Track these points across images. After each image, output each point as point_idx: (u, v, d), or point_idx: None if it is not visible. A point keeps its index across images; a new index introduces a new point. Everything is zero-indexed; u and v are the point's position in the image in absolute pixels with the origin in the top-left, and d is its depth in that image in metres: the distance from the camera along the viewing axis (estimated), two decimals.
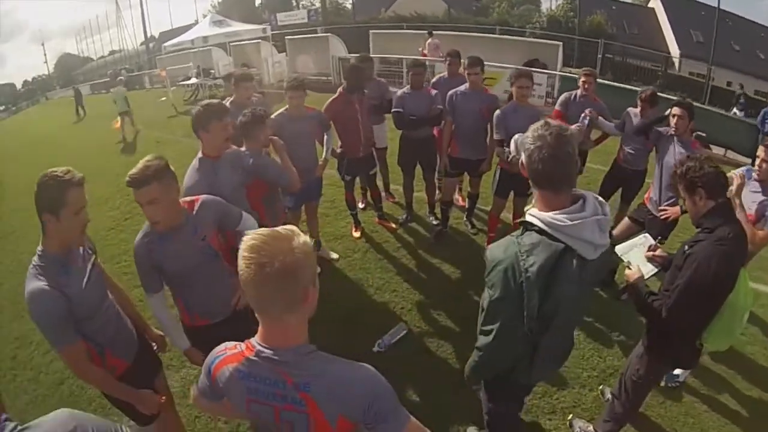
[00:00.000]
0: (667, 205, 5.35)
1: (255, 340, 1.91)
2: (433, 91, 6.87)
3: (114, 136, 16.67)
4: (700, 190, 3.08)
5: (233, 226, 3.56)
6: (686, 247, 3.16)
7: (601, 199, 2.36)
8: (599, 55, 21.08)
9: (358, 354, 5.16)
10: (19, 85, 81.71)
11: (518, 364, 2.66)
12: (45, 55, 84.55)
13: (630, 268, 3.60)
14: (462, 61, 7.23)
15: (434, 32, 19.27)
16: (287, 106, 5.87)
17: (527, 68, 6.89)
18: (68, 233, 2.81)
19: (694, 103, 5.68)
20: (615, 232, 5.68)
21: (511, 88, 6.05)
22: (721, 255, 2.92)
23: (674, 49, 30.39)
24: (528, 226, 2.37)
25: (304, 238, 1.79)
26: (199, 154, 4.15)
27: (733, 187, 3.95)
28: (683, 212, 4.93)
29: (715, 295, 3.04)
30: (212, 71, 23.45)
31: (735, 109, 17.23)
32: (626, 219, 5.90)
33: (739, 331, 3.36)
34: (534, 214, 2.35)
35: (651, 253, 3.66)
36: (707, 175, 3.05)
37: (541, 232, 2.30)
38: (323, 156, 6.27)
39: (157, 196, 2.97)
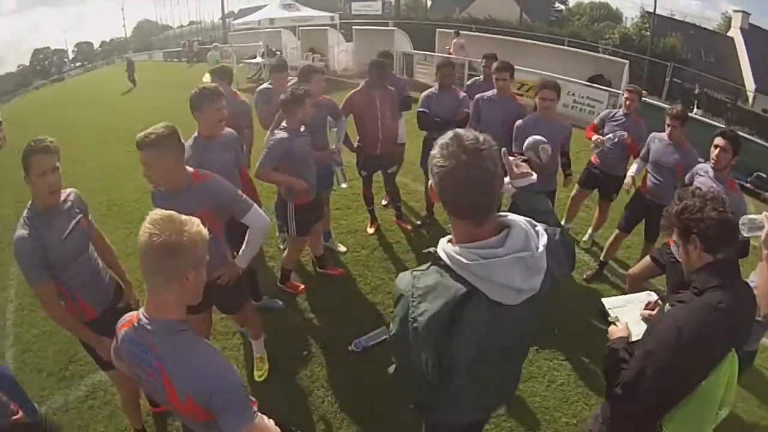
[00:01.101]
0: None
1: (142, 310, 2.17)
2: (462, 94, 6.74)
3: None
4: (695, 239, 2.46)
5: (238, 215, 3.74)
6: (667, 306, 2.61)
7: (540, 228, 1.97)
8: (667, 79, 20.33)
9: (332, 348, 5.39)
10: (96, 45, 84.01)
11: (441, 403, 2.29)
12: (123, 19, 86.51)
13: (616, 326, 2.97)
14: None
15: (505, 37, 19.16)
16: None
17: (552, 79, 6.39)
18: (38, 193, 3.31)
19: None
20: (633, 270, 5.31)
21: (535, 99, 5.80)
22: (698, 327, 2.29)
23: (750, 83, 28.59)
24: (434, 260, 1.95)
25: (198, 229, 2.10)
26: (195, 134, 4.54)
27: (762, 233, 2.86)
28: None
29: (679, 376, 2.34)
30: (278, 52, 23.65)
31: None
32: (647, 258, 5.17)
33: (710, 427, 2.55)
34: (442, 245, 1.94)
35: (648, 312, 3.06)
36: (707, 221, 2.41)
37: (447, 268, 1.87)
38: (334, 145, 6.26)
39: (149, 162, 3.28)
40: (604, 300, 3.51)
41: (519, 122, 5.75)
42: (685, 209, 2.51)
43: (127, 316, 2.30)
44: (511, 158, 2.45)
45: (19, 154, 3.22)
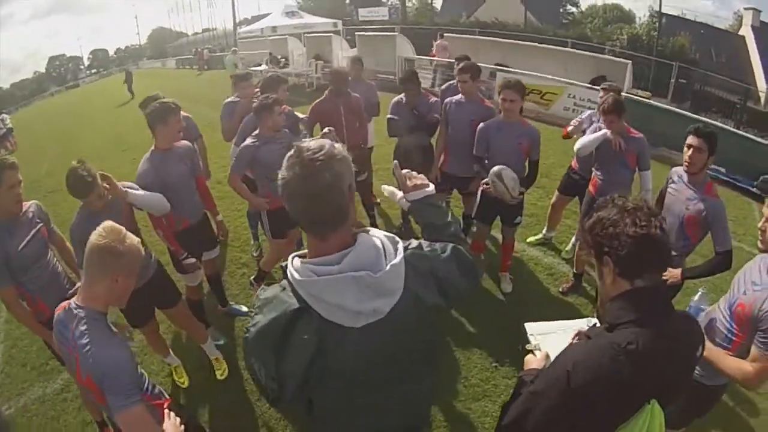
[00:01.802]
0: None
1: (75, 297, 2.61)
2: (433, 99, 6.71)
3: None
4: (608, 260, 1.95)
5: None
6: (575, 340, 2.28)
7: (400, 246, 1.86)
8: (672, 80, 19.89)
9: None
10: (111, 52, 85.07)
11: (316, 428, 2.26)
12: (137, 27, 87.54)
13: (534, 355, 2.53)
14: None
15: (508, 40, 19.08)
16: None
17: (516, 79, 5.78)
18: (5, 204, 3.68)
19: None
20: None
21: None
22: (595, 371, 1.82)
23: (761, 82, 27.67)
24: (284, 273, 1.87)
25: (134, 243, 2.62)
26: (152, 147, 4.71)
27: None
28: (687, 277, 4.11)
29: (568, 425, 1.91)
30: (282, 59, 23.73)
31: None
32: None
33: None
34: (290, 259, 1.86)
35: (577, 340, 2.33)
36: (622, 239, 1.87)
37: (290, 282, 1.80)
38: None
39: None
40: (528, 325, 3.16)
41: (481, 125, 5.55)
42: (598, 223, 1.97)
43: (65, 302, 2.65)
44: (404, 171, 2.35)
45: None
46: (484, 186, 5.53)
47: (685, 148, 4.09)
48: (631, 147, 5.21)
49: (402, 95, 6.68)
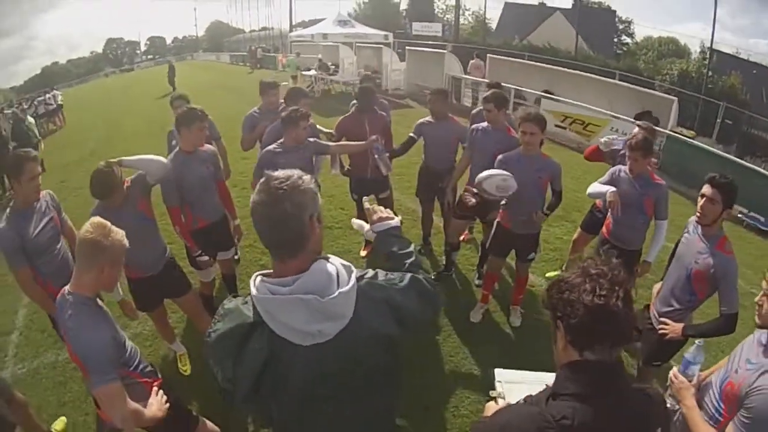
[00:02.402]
0: (671, 317, 4.01)
1: (68, 285, 2.98)
2: (460, 124, 6.66)
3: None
4: (560, 325, 1.80)
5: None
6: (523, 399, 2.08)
7: (345, 276, 1.97)
8: (718, 120, 19.64)
9: None
10: (169, 41, 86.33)
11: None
12: (195, 18, 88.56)
13: (496, 403, 2.56)
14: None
15: (555, 67, 19.05)
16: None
17: (537, 112, 5.50)
18: (25, 194, 4.17)
19: None
20: None
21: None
22: None
23: None
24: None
25: (118, 237, 2.98)
26: (177, 148, 5.16)
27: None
28: (688, 335, 3.88)
29: None
30: (333, 66, 23.95)
31: None
32: None
33: None
34: (254, 276, 2.02)
35: (523, 401, 2.16)
36: (576, 306, 1.69)
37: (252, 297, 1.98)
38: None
39: None
40: (498, 371, 3.28)
41: (500, 157, 5.38)
42: (556, 285, 1.83)
43: (63, 288, 3.01)
44: (367, 206, 2.63)
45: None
46: (469, 198, 5.63)
47: (699, 198, 3.78)
48: (650, 193, 4.95)
49: (428, 117, 6.64)
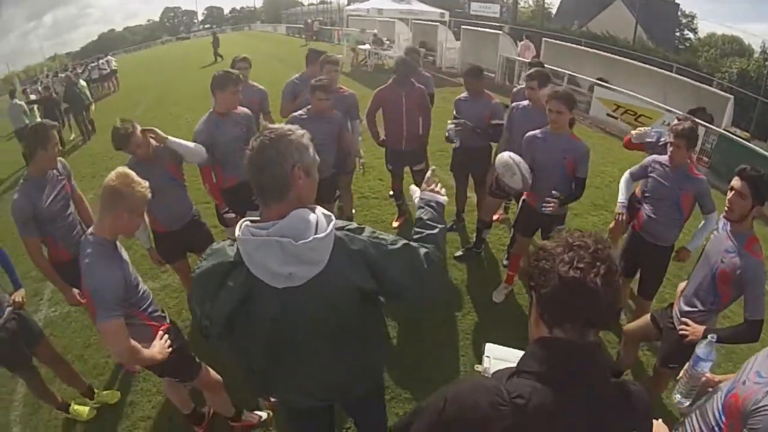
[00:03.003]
0: (693, 319, 3.74)
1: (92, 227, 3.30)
2: (495, 100, 6.48)
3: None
4: (533, 295, 1.66)
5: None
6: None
7: (324, 224, 2.06)
8: None
9: None
10: (227, 11, 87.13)
11: (257, 383, 2.73)
12: None
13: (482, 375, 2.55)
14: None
15: (610, 55, 18.61)
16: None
17: (565, 90, 5.23)
18: (46, 162, 4.43)
19: None
20: (629, 326, 4.61)
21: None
22: (467, 409, 1.52)
23: None
24: None
25: (139, 188, 3.23)
26: (211, 109, 5.41)
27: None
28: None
29: None
30: (387, 41, 23.84)
31: None
32: (647, 317, 4.36)
33: None
34: (240, 222, 2.13)
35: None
36: (549, 277, 1.54)
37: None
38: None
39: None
40: (489, 345, 3.24)
41: (527, 134, 5.23)
42: (536, 252, 1.66)
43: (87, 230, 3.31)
44: (429, 174, 2.75)
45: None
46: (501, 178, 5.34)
47: (729, 192, 3.51)
48: (688, 187, 4.52)
49: (464, 94, 6.60)
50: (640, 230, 4.93)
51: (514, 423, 1.46)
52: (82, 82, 18.87)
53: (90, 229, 3.27)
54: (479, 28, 23.22)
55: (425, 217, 2.57)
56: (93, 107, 18.33)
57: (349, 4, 41.43)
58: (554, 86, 5.40)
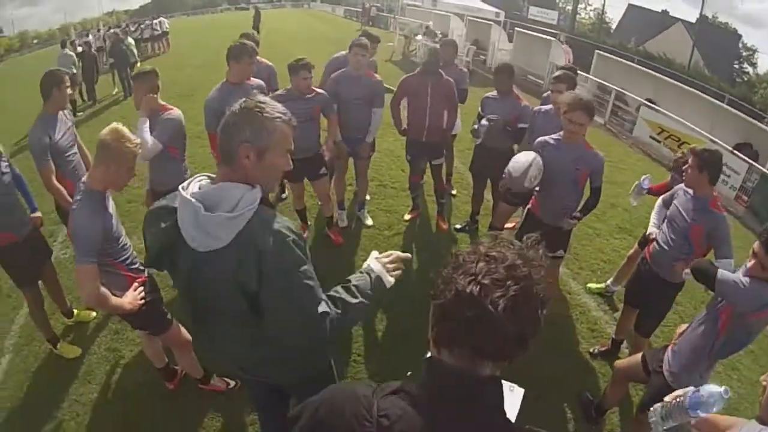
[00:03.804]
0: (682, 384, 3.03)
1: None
2: (523, 102, 6.28)
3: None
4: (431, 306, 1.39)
5: None
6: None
7: (242, 207, 2.02)
8: None
9: None
10: None
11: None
12: None
13: None
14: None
15: (661, 76, 18.00)
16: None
17: (588, 100, 4.70)
18: (61, 101, 5.06)
19: None
20: (620, 363, 4.28)
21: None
22: (333, 415, 1.38)
23: None
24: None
25: (128, 144, 3.37)
26: (224, 78, 5.63)
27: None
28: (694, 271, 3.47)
29: None
30: (440, 34, 23.50)
31: None
32: (639, 356, 3.96)
33: None
34: (197, 176, 2.25)
35: None
36: (447, 289, 1.27)
37: None
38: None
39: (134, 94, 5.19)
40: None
41: (538, 140, 4.99)
42: (450, 256, 1.37)
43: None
44: (396, 256, 2.54)
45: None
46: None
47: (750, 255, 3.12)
48: (702, 220, 4.06)
49: (493, 92, 6.43)
50: (650, 260, 4.60)
51: None
52: (130, 40, 19.65)
53: (83, 178, 3.49)
54: (532, 33, 22.69)
55: (355, 283, 2.34)
56: (138, 65, 18.42)
57: None
58: (576, 94, 4.92)
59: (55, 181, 4.93)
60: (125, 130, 3.43)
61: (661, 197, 4.87)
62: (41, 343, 5.23)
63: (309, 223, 7.35)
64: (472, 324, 1.20)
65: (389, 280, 2.42)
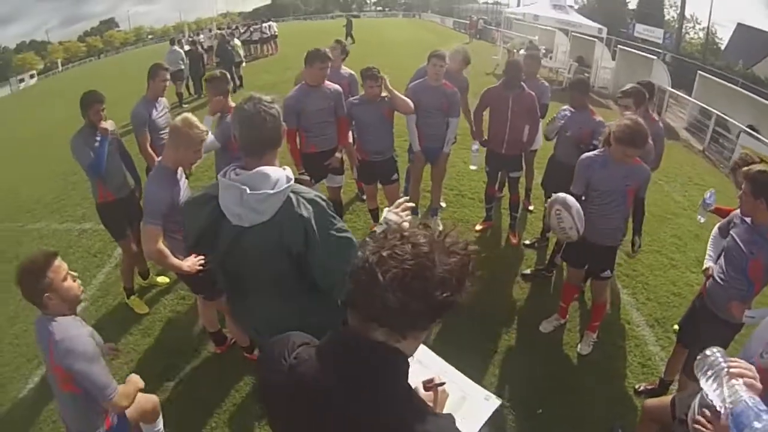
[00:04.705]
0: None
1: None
2: (598, 118, 5.90)
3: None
4: None
5: None
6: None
7: (282, 183, 2.47)
8: None
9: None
10: None
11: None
12: None
13: None
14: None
15: (761, 99, 17.19)
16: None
17: (639, 132, 4.31)
18: (157, 90, 6.25)
19: None
20: (650, 402, 3.87)
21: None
22: (274, 362, 1.60)
23: None
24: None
25: (197, 131, 3.94)
26: (302, 82, 6.06)
27: None
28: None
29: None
30: (543, 50, 23.31)
31: None
32: (667, 399, 3.43)
33: None
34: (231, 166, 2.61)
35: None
36: (361, 256, 1.43)
37: None
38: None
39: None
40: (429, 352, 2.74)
41: (583, 157, 4.79)
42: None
43: None
44: (402, 200, 2.68)
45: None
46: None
47: None
48: (762, 254, 3.63)
49: (568, 107, 6.11)
50: (705, 296, 4.12)
51: (286, 379, 1.54)
52: (236, 42, 21.31)
53: (160, 157, 4.22)
54: (635, 50, 21.96)
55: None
56: (244, 65, 20.68)
57: (519, 5, 40.68)
58: (629, 124, 4.35)
59: (149, 148, 5.99)
60: (194, 118, 4.01)
61: (718, 225, 4.35)
62: (114, 299, 6.38)
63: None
64: (364, 288, 1.37)
65: (407, 224, 2.45)
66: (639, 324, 5.90)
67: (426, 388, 1.92)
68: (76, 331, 2.95)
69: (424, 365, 2.40)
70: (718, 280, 3.90)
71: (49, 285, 2.91)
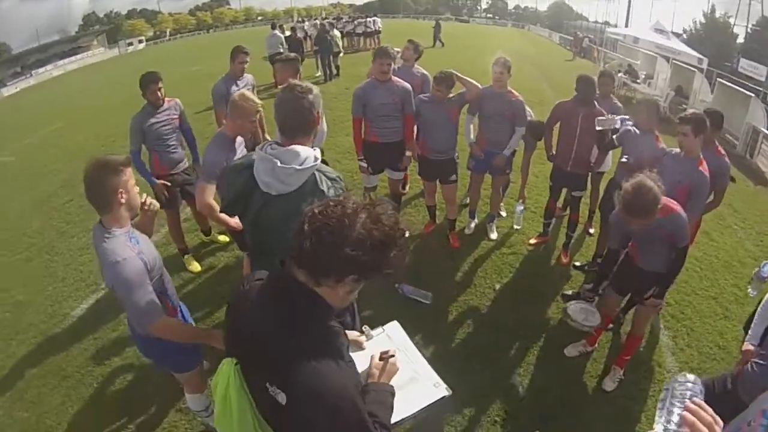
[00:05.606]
0: None
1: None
2: (662, 145, 5.44)
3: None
4: None
5: None
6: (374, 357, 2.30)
7: (310, 161, 2.85)
8: None
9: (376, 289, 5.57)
10: (511, 6, 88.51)
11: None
12: None
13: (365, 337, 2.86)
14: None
15: None
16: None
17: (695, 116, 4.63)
18: (236, 70, 6.88)
19: None
20: None
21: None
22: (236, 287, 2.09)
23: None
24: None
25: (251, 103, 4.43)
26: (373, 76, 6.36)
27: None
28: None
29: None
30: (643, 75, 22.53)
31: None
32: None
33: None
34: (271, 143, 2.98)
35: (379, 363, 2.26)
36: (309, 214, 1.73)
37: None
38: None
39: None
40: (395, 323, 3.09)
41: (612, 214, 4.44)
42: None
43: None
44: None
45: None
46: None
47: None
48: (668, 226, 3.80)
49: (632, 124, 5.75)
50: (739, 383, 3.12)
51: (238, 300, 2.02)
52: (336, 32, 21.83)
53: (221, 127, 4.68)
54: (734, 86, 20.01)
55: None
56: (342, 55, 21.58)
57: (627, 24, 39.04)
58: (629, 190, 3.82)
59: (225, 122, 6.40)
60: (250, 93, 4.60)
61: (766, 298, 3.64)
62: (169, 261, 6.57)
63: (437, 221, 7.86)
64: (295, 235, 1.67)
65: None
66: (671, 370, 5.26)
67: (381, 359, 2.27)
68: (126, 254, 2.88)
69: (391, 339, 2.88)
70: (756, 369, 2.99)
71: (125, 183, 2.96)
